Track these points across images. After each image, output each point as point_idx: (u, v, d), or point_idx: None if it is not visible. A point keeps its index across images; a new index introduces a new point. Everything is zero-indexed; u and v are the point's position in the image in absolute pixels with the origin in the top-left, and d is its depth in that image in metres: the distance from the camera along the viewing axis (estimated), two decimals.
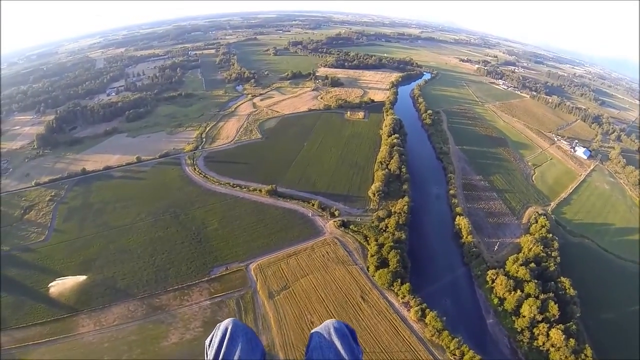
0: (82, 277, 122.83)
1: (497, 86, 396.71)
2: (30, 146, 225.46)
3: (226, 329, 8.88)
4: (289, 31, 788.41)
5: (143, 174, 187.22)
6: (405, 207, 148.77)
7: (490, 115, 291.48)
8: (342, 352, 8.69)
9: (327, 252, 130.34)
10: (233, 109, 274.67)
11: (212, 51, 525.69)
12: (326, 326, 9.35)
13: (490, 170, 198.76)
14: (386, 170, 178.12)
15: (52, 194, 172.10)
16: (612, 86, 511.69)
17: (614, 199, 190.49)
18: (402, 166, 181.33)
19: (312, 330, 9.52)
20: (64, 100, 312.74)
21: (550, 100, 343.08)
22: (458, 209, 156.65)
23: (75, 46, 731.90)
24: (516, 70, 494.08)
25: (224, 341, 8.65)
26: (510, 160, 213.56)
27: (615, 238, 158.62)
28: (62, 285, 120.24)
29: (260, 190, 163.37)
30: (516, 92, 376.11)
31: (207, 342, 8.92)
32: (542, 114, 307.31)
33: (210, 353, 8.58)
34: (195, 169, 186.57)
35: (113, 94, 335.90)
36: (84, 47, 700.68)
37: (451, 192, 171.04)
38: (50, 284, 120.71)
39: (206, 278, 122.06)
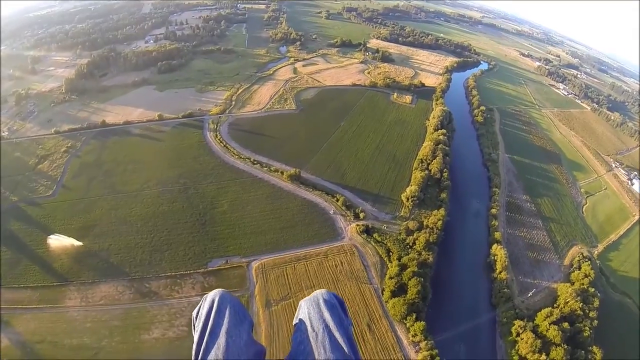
0: (79, 243, 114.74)
1: (557, 90, 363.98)
2: (59, 90, 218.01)
3: (213, 301, 8.65)
4: None
5: (161, 135, 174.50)
6: (440, 222, 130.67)
7: (546, 123, 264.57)
8: (331, 322, 8.53)
9: (341, 262, 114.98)
10: (271, 72, 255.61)
11: (262, 6, 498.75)
12: (315, 297, 9.20)
13: (539, 190, 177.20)
14: (426, 171, 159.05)
15: (69, 144, 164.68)
16: None
17: None
18: (445, 169, 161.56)
19: (301, 300, 9.46)
20: (101, 44, 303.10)
21: (612, 118, 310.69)
22: (497, 235, 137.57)
23: None
24: (579, 76, 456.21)
25: (211, 313, 8.42)
26: (562, 182, 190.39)
27: None
28: (59, 242, 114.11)
29: (282, 173, 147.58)
30: (577, 100, 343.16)
31: (194, 313, 8.75)
32: (602, 133, 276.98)
33: (198, 325, 8.39)
34: (217, 135, 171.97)
35: (151, 41, 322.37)
36: None
37: (493, 210, 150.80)
38: (49, 237, 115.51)
39: (202, 270, 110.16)
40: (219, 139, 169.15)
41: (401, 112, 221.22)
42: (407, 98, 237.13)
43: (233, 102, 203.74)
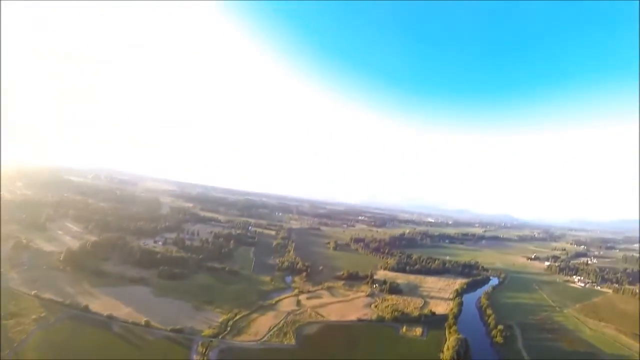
0: None
1: (573, 284, 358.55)
2: (58, 256, 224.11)
3: None
4: (354, 226, 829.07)
5: (144, 343, 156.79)
6: None
7: (572, 323, 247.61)
8: None
9: None
10: (274, 302, 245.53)
11: (273, 232, 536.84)
12: None
13: None
14: None
15: (43, 314, 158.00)
16: None
17: None
18: None
19: None
20: (113, 229, 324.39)
21: (637, 291, 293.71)
22: None
23: (153, 185, 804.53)
24: (589, 262, 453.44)
25: None
26: None
27: None
28: None
29: None
30: (596, 288, 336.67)
31: None
32: (634, 311, 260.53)
33: None
34: None
35: (160, 243, 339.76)
36: (160, 189, 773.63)
37: None
38: None
39: None
40: None
41: (412, 346, 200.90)
42: (417, 330, 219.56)
43: (229, 328, 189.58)
